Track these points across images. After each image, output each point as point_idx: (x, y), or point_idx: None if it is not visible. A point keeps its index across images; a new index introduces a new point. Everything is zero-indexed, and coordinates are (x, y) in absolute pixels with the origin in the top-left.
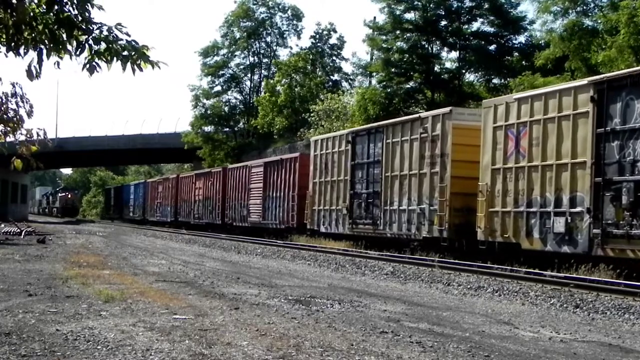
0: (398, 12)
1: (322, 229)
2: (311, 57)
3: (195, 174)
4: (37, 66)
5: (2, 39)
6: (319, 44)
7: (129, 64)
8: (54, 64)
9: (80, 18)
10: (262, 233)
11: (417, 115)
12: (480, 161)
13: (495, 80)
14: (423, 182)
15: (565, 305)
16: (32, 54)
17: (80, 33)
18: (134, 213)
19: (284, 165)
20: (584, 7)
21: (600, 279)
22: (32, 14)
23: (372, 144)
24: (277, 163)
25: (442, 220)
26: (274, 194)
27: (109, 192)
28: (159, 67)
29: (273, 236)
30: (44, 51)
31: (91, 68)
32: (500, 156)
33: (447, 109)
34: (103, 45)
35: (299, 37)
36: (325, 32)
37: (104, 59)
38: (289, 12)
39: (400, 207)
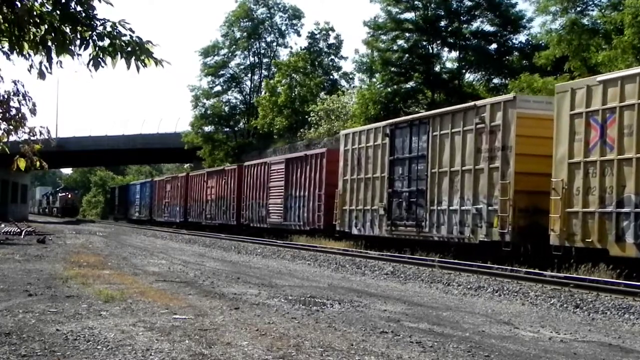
0: (397, 12)
1: (355, 231)
2: (309, 57)
3: (207, 172)
4: (47, 65)
5: (4, 39)
6: (316, 44)
7: (132, 61)
8: (56, 63)
9: (84, 14)
10: (283, 235)
11: (472, 103)
12: (554, 154)
13: (496, 80)
14: (479, 178)
15: (565, 305)
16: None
17: (84, 29)
18: (140, 213)
19: (308, 162)
20: (583, 7)
21: (600, 279)
22: (36, 12)
23: (415, 136)
24: (300, 159)
25: (504, 221)
26: (297, 193)
27: (113, 191)
28: (162, 65)
29: (294, 235)
30: (53, 50)
31: (96, 63)
32: (579, 148)
33: (509, 96)
34: (107, 41)
35: (298, 35)
36: (323, 32)
37: (108, 55)
38: (289, 11)
39: (451, 207)
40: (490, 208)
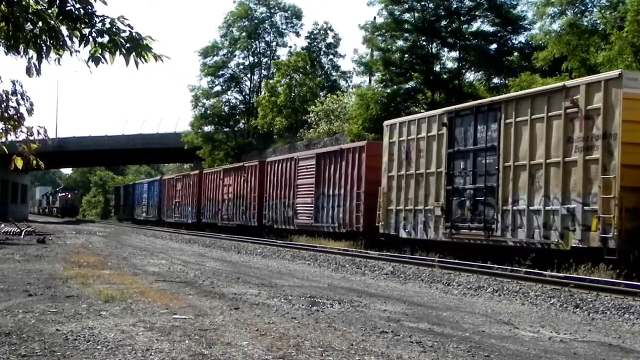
0: (397, 13)
1: (403, 234)
2: (309, 56)
3: (223, 170)
4: (37, 63)
5: (1, 36)
6: (316, 44)
7: (132, 57)
8: (55, 60)
9: (82, 11)
10: (314, 237)
11: (559, 84)
12: None
13: (496, 80)
14: (571, 173)
15: (565, 305)
16: (32, 53)
17: (83, 26)
18: (148, 213)
19: (344, 157)
20: (582, 7)
21: (600, 279)
22: (32, 10)
23: (482, 125)
24: (334, 154)
25: (606, 224)
26: (331, 191)
27: (118, 190)
28: (161, 60)
29: (326, 238)
30: (44, 48)
31: (96, 59)
32: None
33: (613, 73)
34: (106, 38)
35: (297, 36)
36: (321, 32)
37: (108, 50)
38: (288, 11)
39: (531, 207)
40: (586, 208)
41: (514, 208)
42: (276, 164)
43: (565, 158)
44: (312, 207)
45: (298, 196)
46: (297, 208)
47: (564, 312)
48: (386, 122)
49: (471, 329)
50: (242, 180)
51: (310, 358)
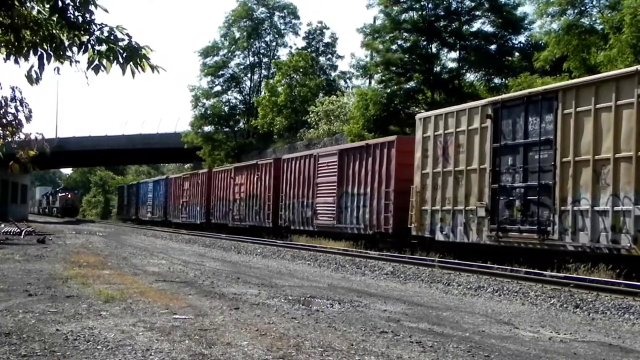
0: (396, 13)
1: (439, 237)
2: (309, 56)
3: (234, 168)
4: (38, 71)
5: (2, 44)
6: (314, 44)
7: (128, 66)
8: (54, 69)
9: (81, 20)
10: (336, 239)
11: (632, 68)
12: None
13: (496, 80)
14: None
15: (565, 305)
16: (33, 59)
17: (82, 33)
18: (153, 214)
19: (370, 153)
20: (582, 8)
21: (600, 279)
22: (32, 19)
23: (534, 116)
24: (359, 150)
25: None
26: (355, 190)
27: (121, 190)
28: (157, 71)
29: (349, 241)
30: (45, 56)
31: (96, 67)
32: None
33: None
34: (105, 46)
35: (296, 35)
36: (318, 32)
37: (106, 58)
38: (285, 10)
39: (596, 208)
40: None
41: (575, 208)
42: (293, 162)
43: (639, 152)
44: (334, 207)
45: (318, 195)
46: (317, 208)
47: (564, 312)
48: (419, 115)
49: (471, 329)
50: (255, 179)
51: (310, 358)
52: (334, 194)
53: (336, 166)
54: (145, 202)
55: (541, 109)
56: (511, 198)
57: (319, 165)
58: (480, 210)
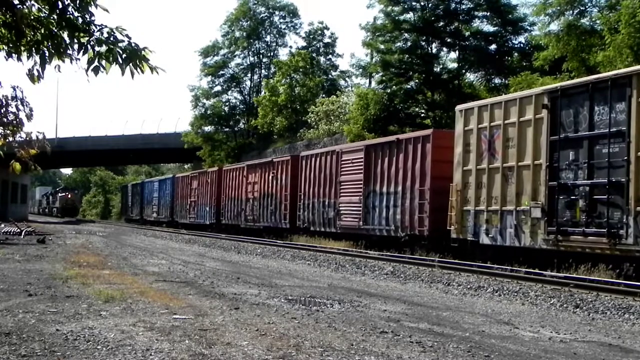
0: (396, 13)
1: (485, 240)
2: (309, 56)
3: (247, 165)
4: (40, 69)
5: (3, 42)
6: (314, 44)
7: (128, 67)
8: (55, 67)
9: (81, 20)
10: (361, 241)
11: None
12: None
13: (496, 80)
14: None
15: (565, 305)
16: (34, 58)
17: (82, 34)
18: (159, 214)
19: (402, 148)
20: (581, 8)
21: (600, 279)
22: (33, 17)
23: (602, 105)
24: (388, 146)
25: None
26: (384, 189)
27: (125, 189)
28: (157, 72)
29: (376, 247)
30: (47, 54)
31: (95, 69)
32: None
33: None
34: (104, 47)
35: (297, 34)
36: (318, 32)
37: (105, 59)
38: (285, 10)
39: None
40: None
41: None
42: (312, 159)
43: None
44: (359, 207)
45: (342, 194)
46: (341, 208)
47: (564, 312)
48: (460, 107)
49: (471, 329)
50: (270, 177)
51: (310, 358)
52: (360, 193)
53: (362, 163)
54: (151, 202)
55: (610, 97)
56: (573, 197)
57: (343, 162)
58: (535, 210)
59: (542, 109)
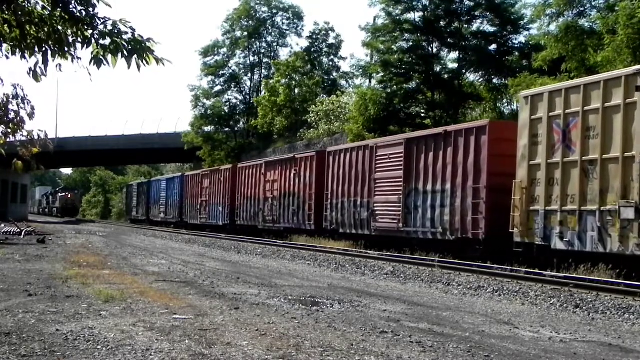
0: (397, 13)
1: (559, 245)
2: (307, 57)
3: (265, 163)
4: (43, 67)
5: (7, 40)
6: (316, 44)
7: (134, 60)
8: (56, 66)
9: (84, 14)
10: (402, 245)
11: None
12: None
13: (496, 80)
14: None
15: (565, 305)
16: (37, 56)
17: (85, 27)
18: (167, 214)
19: (450, 142)
20: (580, 9)
21: (600, 279)
22: (36, 14)
23: None
24: (434, 139)
25: None
26: (429, 187)
27: (129, 189)
28: (163, 63)
29: (420, 250)
30: (49, 52)
31: (98, 61)
32: None
33: None
34: (109, 40)
35: (299, 36)
36: (323, 32)
37: (110, 53)
38: (290, 12)
39: None
40: None
41: None
42: (342, 154)
43: None
44: (398, 207)
45: (377, 193)
46: (376, 208)
47: (564, 312)
48: (525, 93)
49: (471, 329)
50: (291, 175)
51: (310, 358)
52: (400, 192)
53: (402, 158)
54: (158, 202)
55: None
56: None
57: (378, 158)
58: (626, 211)
59: (635, 92)
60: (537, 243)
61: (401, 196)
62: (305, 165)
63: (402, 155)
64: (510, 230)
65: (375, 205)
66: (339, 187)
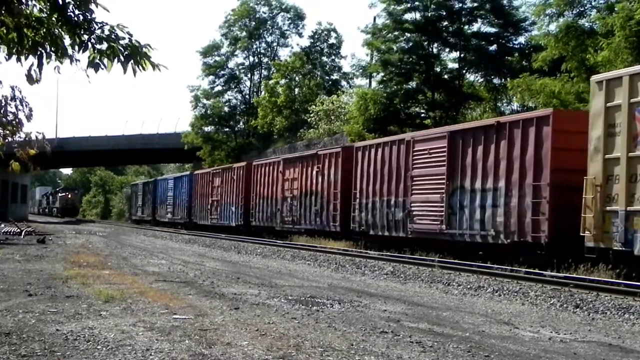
0: (398, 12)
1: None
2: (305, 57)
3: (283, 160)
4: (37, 70)
5: (4, 43)
6: (317, 44)
7: (129, 65)
8: (54, 68)
9: (82, 18)
10: (444, 249)
11: None
12: None
13: (496, 81)
14: None
15: (565, 305)
16: (33, 59)
17: (82, 32)
18: (175, 214)
19: (504, 134)
20: (580, 9)
21: (600, 279)
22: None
23: None
24: (484, 131)
25: None
26: (477, 185)
27: (134, 188)
28: (159, 69)
29: (451, 256)
30: (44, 55)
31: (95, 65)
32: None
33: None
34: (105, 45)
35: (300, 36)
36: (324, 32)
37: (106, 57)
38: (291, 12)
39: None
40: None
41: None
42: (372, 150)
43: None
44: (441, 206)
45: (414, 192)
46: (413, 208)
47: (564, 312)
48: (597, 77)
49: (471, 329)
50: (313, 173)
51: (310, 358)
52: (442, 190)
53: (445, 153)
54: (165, 202)
55: None
56: None
57: (416, 153)
58: None
59: None
60: (615, 248)
61: (444, 195)
62: (329, 161)
63: (444, 149)
64: (581, 234)
65: (412, 205)
66: (369, 186)
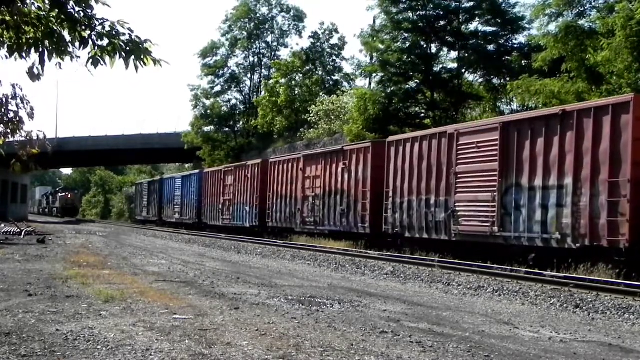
0: (395, 11)
1: None
2: (305, 57)
3: (304, 156)
4: (40, 67)
5: (4, 39)
6: (318, 44)
7: (131, 61)
8: (56, 64)
9: (82, 14)
10: (496, 253)
11: None
12: None
13: (495, 80)
14: None
15: (565, 305)
16: (35, 56)
17: (83, 28)
18: (182, 214)
19: (571, 125)
20: (580, 9)
21: (600, 279)
22: (35, 15)
23: None
24: (544, 121)
25: None
26: (537, 182)
27: (139, 188)
28: (160, 64)
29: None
30: (46, 52)
31: (95, 61)
32: None
33: None
34: (106, 41)
35: (300, 36)
36: (327, 32)
37: (107, 54)
38: (291, 12)
39: None
40: None
41: None
42: (407, 144)
43: None
44: (492, 206)
45: (459, 190)
46: (458, 208)
47: (564, 312)
48: None
49: (471, 329)
50: (339, 170)
51: (310, 358)
52: (493, 188)
53: (496, 147)
54: (172, 201)
55: None
56: None
57: (461, 147)
58: None
59: None
60: None
61: (496, 193)
62: (357, 158)
63: (496, 142)
64: None
65: (457, 204)
66: (403, 183)
